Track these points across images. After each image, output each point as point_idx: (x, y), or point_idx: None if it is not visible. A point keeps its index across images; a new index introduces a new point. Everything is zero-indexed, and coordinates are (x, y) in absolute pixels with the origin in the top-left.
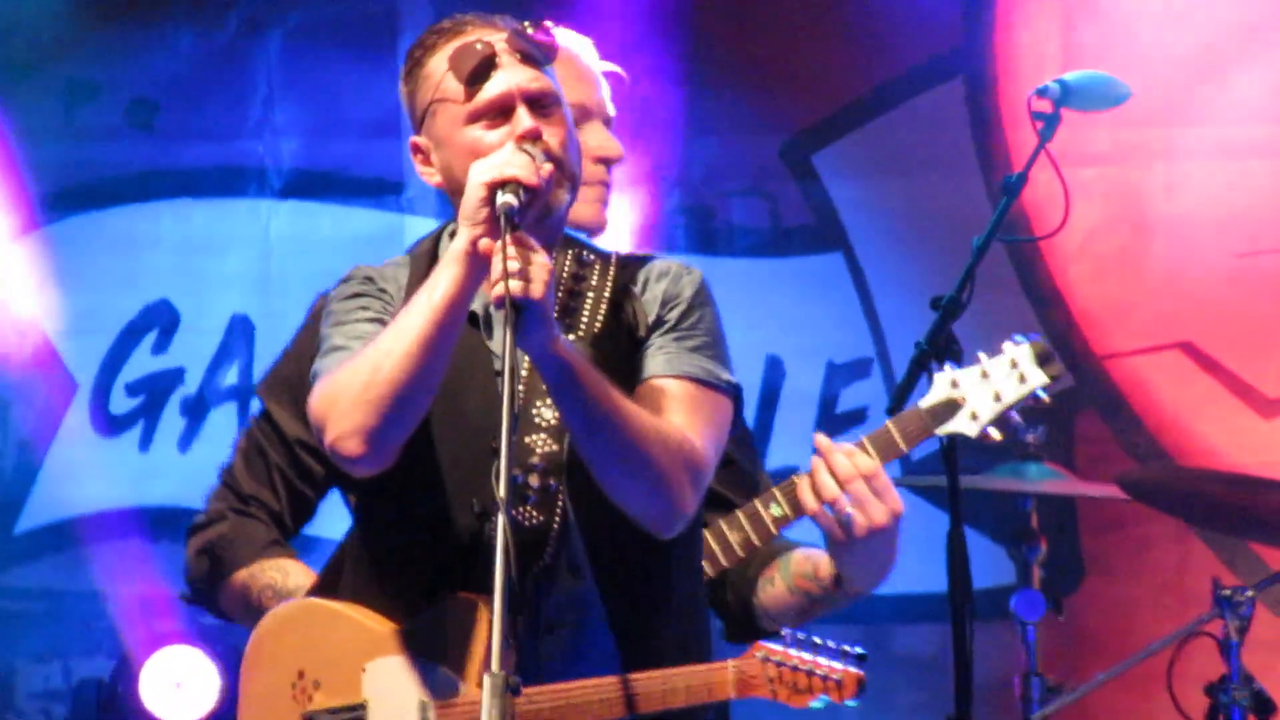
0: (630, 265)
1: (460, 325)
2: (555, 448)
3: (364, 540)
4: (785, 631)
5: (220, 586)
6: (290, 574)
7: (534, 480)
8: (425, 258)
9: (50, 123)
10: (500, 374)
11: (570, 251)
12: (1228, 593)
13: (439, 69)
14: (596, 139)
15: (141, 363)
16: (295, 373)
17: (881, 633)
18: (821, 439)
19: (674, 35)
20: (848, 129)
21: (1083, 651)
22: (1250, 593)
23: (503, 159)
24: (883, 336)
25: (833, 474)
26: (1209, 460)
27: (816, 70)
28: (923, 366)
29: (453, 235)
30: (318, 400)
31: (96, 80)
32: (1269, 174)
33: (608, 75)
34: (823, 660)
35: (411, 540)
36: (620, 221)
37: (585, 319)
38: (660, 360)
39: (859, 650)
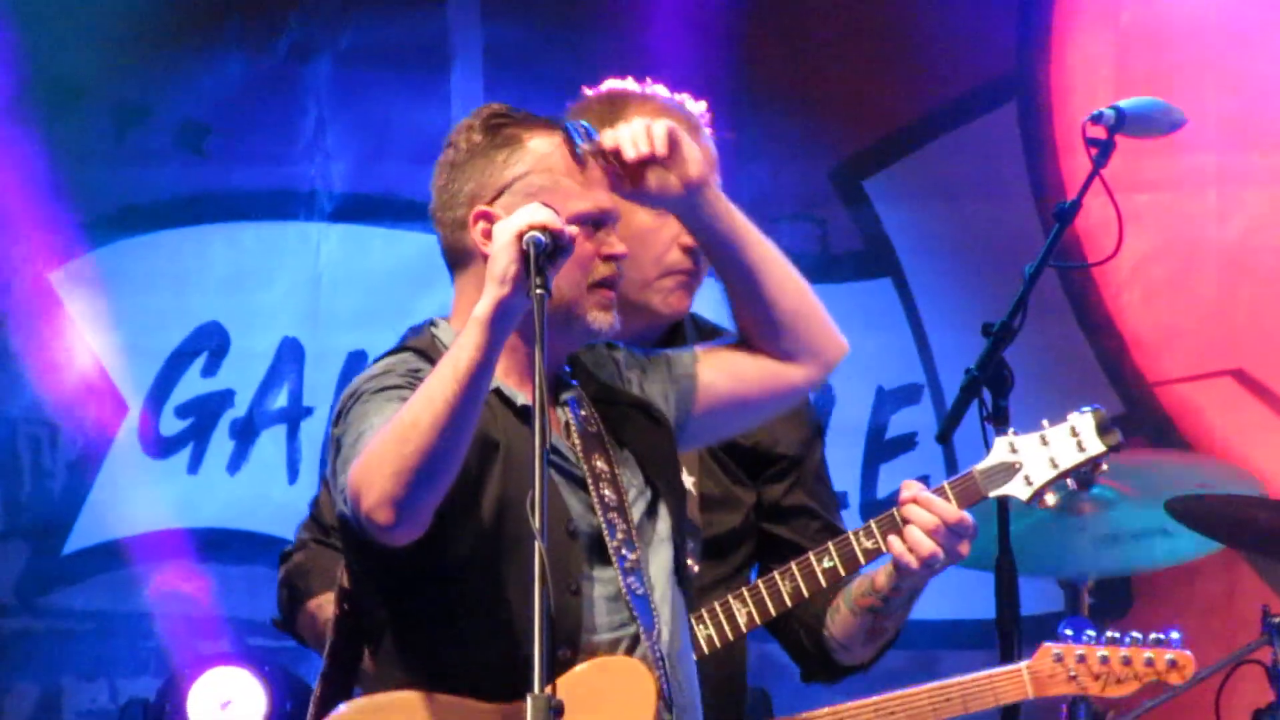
0: (583, 368)
1: (486, 389)
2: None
3: (424, 637)
4: (1070, 631)
5: (297, 613)
6: None
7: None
8: (428, 354)
9: (100, 146)
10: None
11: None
12: (1278, 620)
13: (545, 149)
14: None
15: (191, 385)
16: None
17: (929, 658)
18: (916, 511)
19: (724, 60)
20: (899, 154)
21: None
22: None
23: (530, 211)
24: (933, 363)
25: (923, 529)
26: (1259, 486)
27: (868, 95)
28: (974, 393)
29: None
30: (353, 477)
31: (147, 103)
32: None
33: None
34: (1142, 648)
35: (498, 631)
36: None
37: (608, 436)
38: (692, 357)
39: (1174, 632)
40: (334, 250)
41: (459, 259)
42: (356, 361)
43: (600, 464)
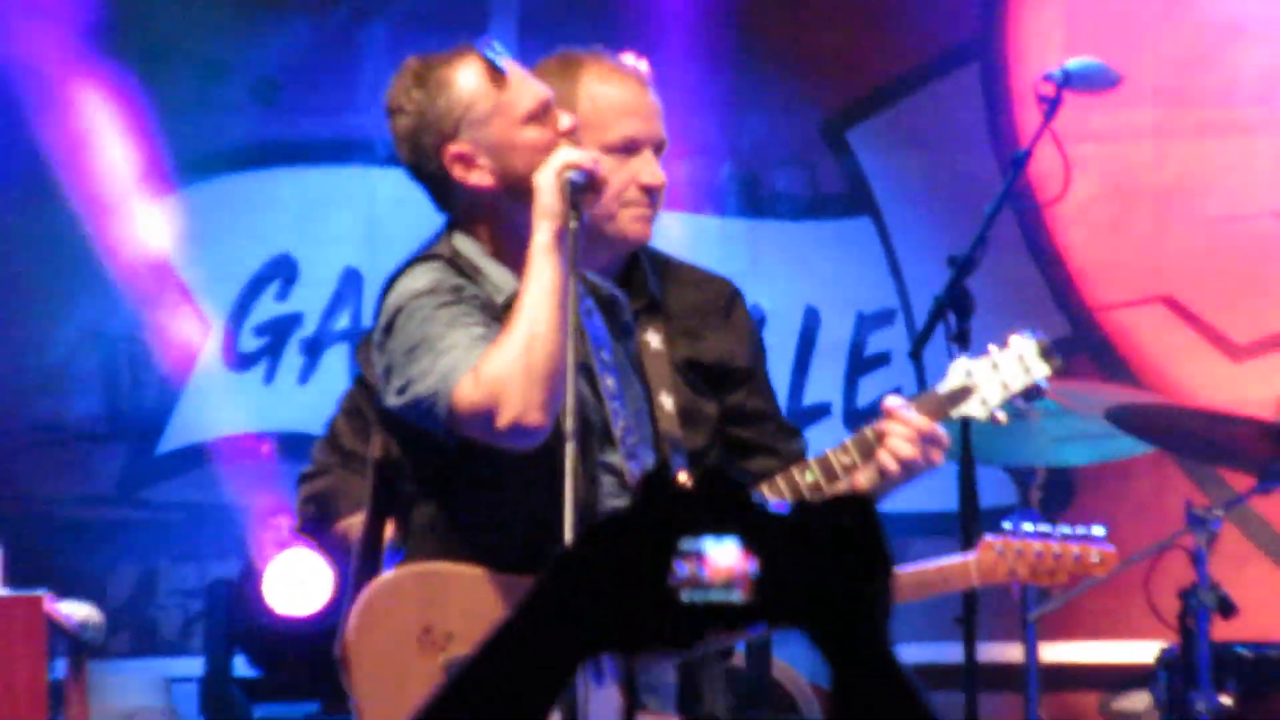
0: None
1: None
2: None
3: (463, 521)
4: (1009, 525)
5: (325, 532)
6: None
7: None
8: (454, 261)
9: (187, 98)
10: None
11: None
12: (1199, 512)
13: (472, 80)
14: (651, 168)
15: (266, 308)
16: None
17: (902, 544)
18: (893, 425)
19: (727, 25)
20: (878, 109)
21: None
22: (1218, 512)
23: (563, 154)
24: (905, 290)
25: (907, 436)
26: (1185, 398)
27: (851, 56)
28: (940, 316)
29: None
30: (477, 392)
31: (227, 61)
32: (1243, 150)
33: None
34: (1071, 544)
35: (530, 510)
36: (679, 190)
37: (611, 328)
38: None
39: (1100, 529)
40: (388, 191)
41: (453, 199)
42: None
43: (605, 355)
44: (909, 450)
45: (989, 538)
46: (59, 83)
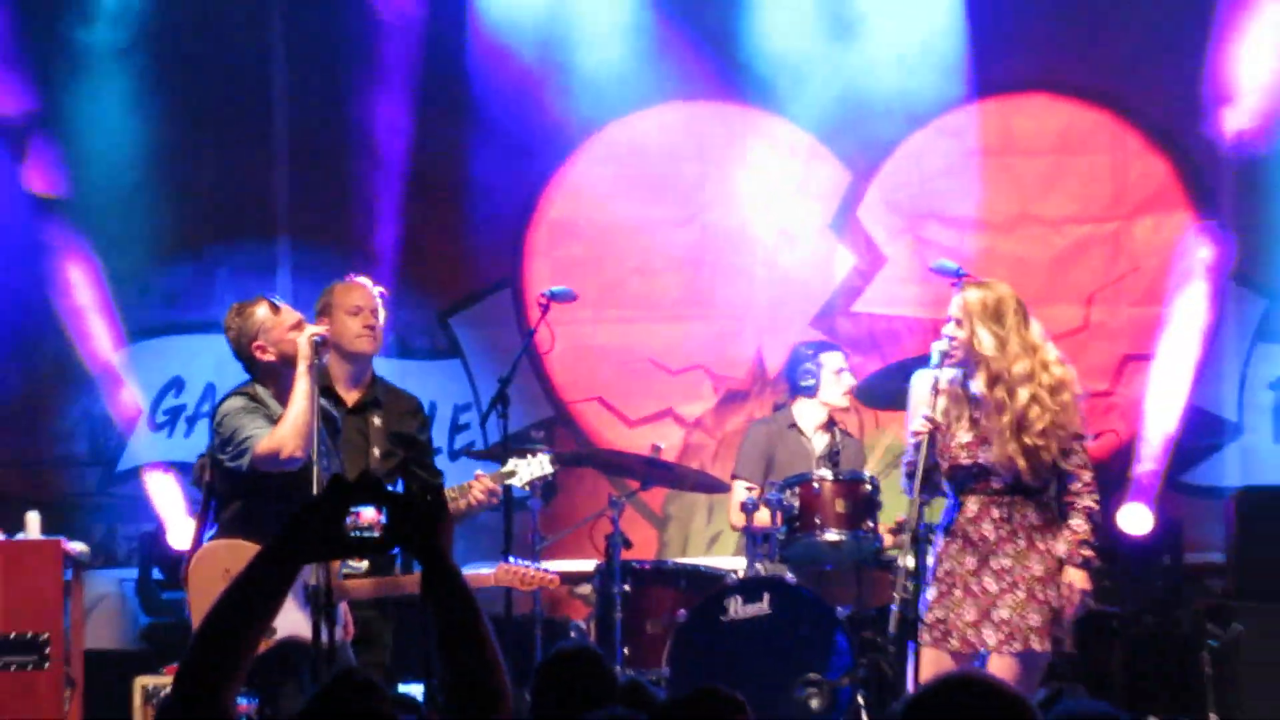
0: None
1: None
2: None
3: (251, 516)
4: (513, 559)
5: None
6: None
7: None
8: (253, 397)
9: (133, 298)
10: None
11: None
12: (614, 497)
13: (263, 311)
14: (369, 319)
15: (169, 402)
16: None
17: (480, 519)
18: (476, 483)
19: (395, 263)
20: (465, 307)
21: (557, 522)
22: (623, 498)
23: (311, 328)
24: (478, 394)
25: (484, 489)
26: (606, 445)
27: (451, 280)
28: (494, 406)
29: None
30: (267, 444)
31: (152, 284)
32: (633, 330)
33: (382, 294)
34: (536, 570)
35: (286, 507)
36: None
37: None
38: None
39: (554, 567)
40: (227, 349)
41: (254, 367)
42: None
43: (319, 443)
44: (482, 497)
45: (502, 564)
46: (73, 291)
